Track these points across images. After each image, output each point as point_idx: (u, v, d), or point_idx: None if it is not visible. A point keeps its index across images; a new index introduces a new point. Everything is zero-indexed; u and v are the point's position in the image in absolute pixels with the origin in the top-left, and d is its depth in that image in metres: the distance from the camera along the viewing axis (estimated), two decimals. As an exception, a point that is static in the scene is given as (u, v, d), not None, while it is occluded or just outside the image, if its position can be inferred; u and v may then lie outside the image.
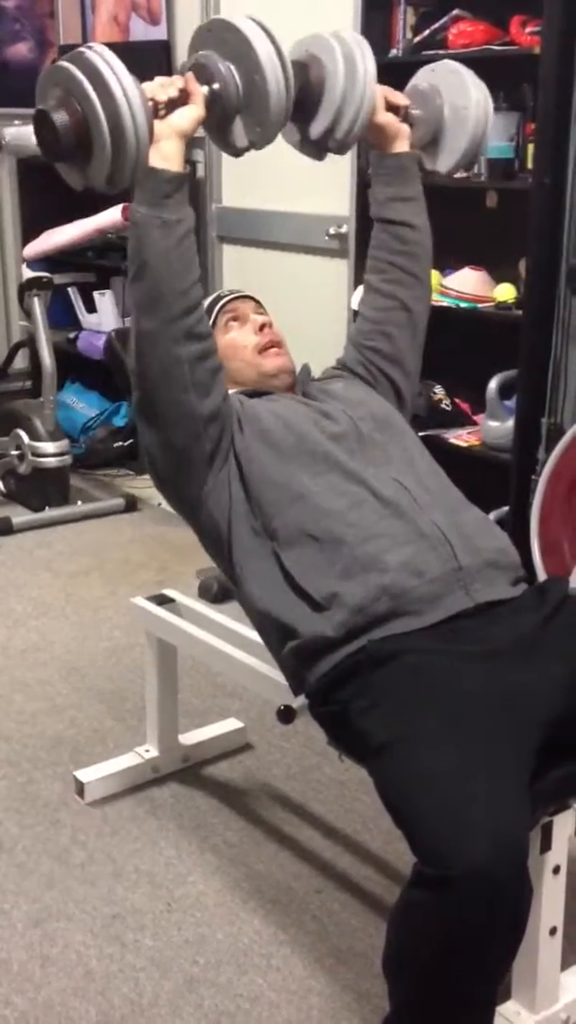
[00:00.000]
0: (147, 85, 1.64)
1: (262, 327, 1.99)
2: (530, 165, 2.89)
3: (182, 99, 1.70)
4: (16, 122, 4.05)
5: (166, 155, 1.67)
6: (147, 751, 2.38)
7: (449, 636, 1.63)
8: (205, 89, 1.71)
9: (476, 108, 1.96)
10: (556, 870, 1.62)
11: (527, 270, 2.95)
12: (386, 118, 1.96)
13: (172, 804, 2.29)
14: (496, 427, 3.10)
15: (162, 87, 1.68)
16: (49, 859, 2.11)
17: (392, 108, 1.97)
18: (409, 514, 1.72)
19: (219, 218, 4.13)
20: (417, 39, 3.13)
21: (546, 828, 1.58)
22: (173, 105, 1.69)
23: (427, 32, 3.10)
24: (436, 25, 3.07)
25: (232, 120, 1.75)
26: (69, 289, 4.47)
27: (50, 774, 2.39)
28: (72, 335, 4.47)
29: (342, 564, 1.67)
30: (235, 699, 2.68)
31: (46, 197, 4.53)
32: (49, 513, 3.97)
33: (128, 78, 1.56)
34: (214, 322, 1.97)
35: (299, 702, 1.74)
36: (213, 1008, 1.76)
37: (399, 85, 3.24)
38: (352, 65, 1.83)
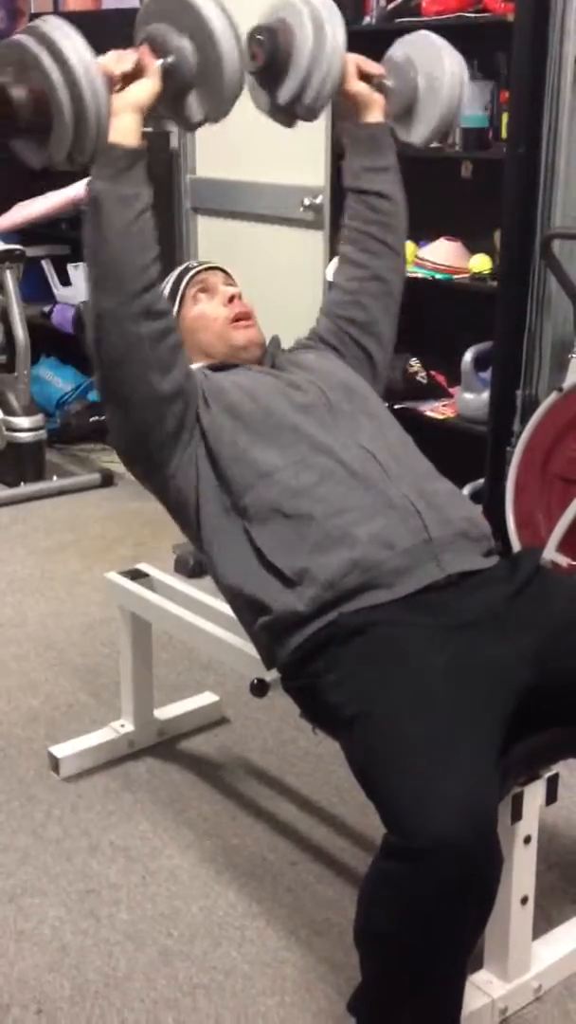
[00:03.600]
0: (102, 59, 1.61)
1: (231, 299, 1.97)
2: (504, 134, 2.87)
3: (136, 73, 1.67)
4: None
5: (123, 130, 1.64)
6: (122, 726, 2.37)
7: (420, 608, 1.62)
8: (160, 62, 1.68)
9: (451, 79, 1.94)
10: (527, 840, 1.63)
11: (502, 241, 2.94)
12: (358, 87, 1.94)
13: (147, 779, 2.29)
14: (471, 399, 3.09)
15: (117, 61, 1.66)
16: (24, 834, 2.11)
17: (365, 77, 1.94)
18: (379, 486, 1.71)
19: (193, 189, 4.09)
20: (391, 6, 3.09)
21: (516, 798, 1.59)
22: (128, 79, 1.66)
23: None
24: (410, -8, 3.04)
25: (187, 94, 1.73)
26: (43, 262, 4.43)
27: (25, 750, 2.39)
28: (46, 309, 4.43)
29: (312, 539, 1.66)
30: (211, 673, 2.67)
31: (15, 168, 4.50)
32: (24, 488, 3.94)
33: (87, 52, 1.52)
34: (182, 294, 1.97)
35: (272, 676, 1.74)
36: (188, 980, 1.77)
37: (374, 53, 3.22)
38: (320, 30, 1.81)
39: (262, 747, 2.41)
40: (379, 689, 1.50)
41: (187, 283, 1.98)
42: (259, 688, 1.75)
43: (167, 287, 1.95)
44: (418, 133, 2.02)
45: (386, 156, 2.00)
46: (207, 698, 2.53)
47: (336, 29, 1.83)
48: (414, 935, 1.38)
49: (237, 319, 1.96)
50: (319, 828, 2.14)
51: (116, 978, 1.77)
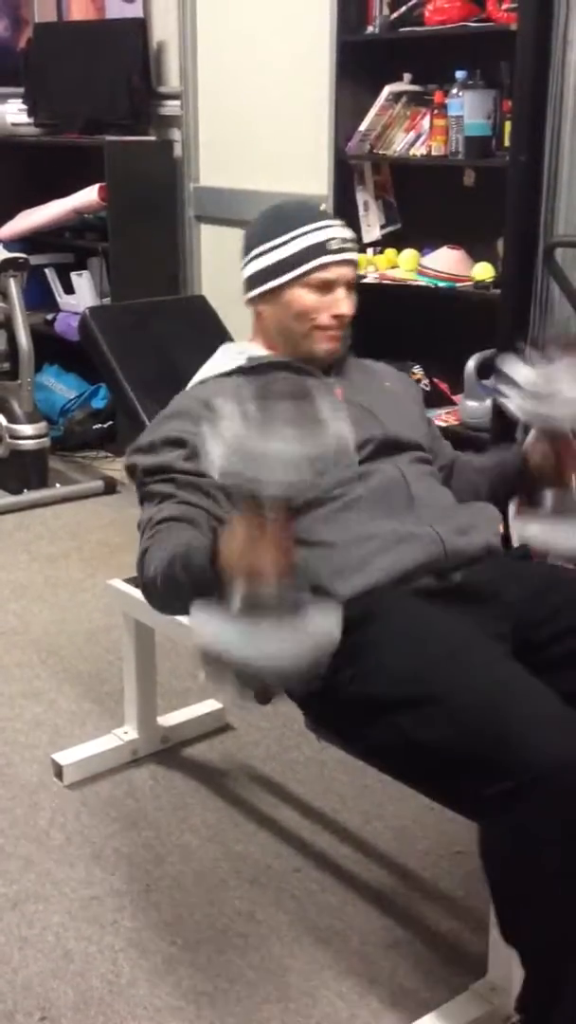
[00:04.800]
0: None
1: (339, 316, 1.78)
2: (507, 143, 2.88)
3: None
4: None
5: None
6: (125, 733, 2.37)
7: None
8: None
9: None
10: None
11: (505, 249, 2.94)
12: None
13: (151, 786, 2.29)
14: (474, 407, 3.09)
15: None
16: (27, 841, 2.11)
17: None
18: (403, 514, 1.71)
19: (197, 198, 4.10)
20: (394, 15, 3.10)
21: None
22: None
23: (404, 8, 3.08)
24: (413, 2, 3.05)
25: None
26: (46, 270, 4.44)
27: (28, 757, 2.39)
28: (50, 316, 4.44)
29: (331, 567, 1.64)
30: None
31: (20, 177, 4.53)
32: (27, 496, 3.95)
33: None
34: (303, 270, 1.74)
35: None
36: (191, 988, 1.77)
37: (376, 62, 3.25)
38: None
39: (265, 754, 2.41)
40: (421, 662, 1.49)
41: (315, 266, 1.75)
42: (263, 695, 1.75)
43: (282, 225, 1.76)
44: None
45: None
46: (211, 705, 2.53)
47: None
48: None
49: (330, 328, 1.80)
50: (322, 835, 2.13)
51: (120, 985, 1.77)
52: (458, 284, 3.12)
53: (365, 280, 3.29)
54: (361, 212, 3.38)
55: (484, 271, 3.07)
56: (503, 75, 2.92)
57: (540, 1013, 1.43)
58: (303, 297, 1.76)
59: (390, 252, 3.33)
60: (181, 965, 1.81)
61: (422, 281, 3.18)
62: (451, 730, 1.42)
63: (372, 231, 3.40)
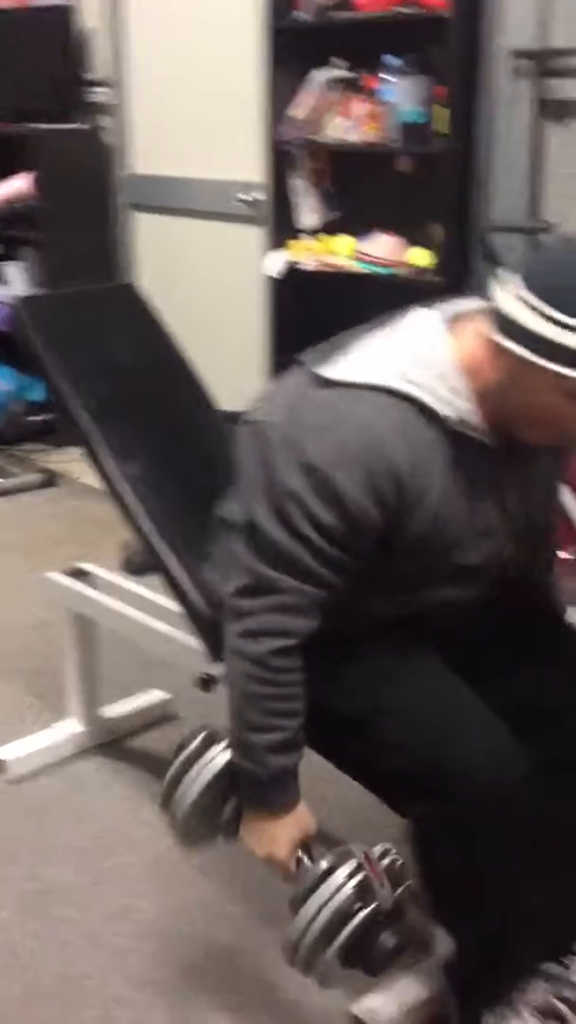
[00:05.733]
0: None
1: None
2: (441, 129, 2.89)
3: None
4: None
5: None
6: (70, 726, 2.35)
7: None
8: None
9: None
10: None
11: (442, 235, 2.96)
12: None
13: (97, 778, 2.27)
14: (413, 392, 3.10)
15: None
16: (-28, 838, 2.09)
17: None
18: None
19: (130, 186, 4.07)
20: (324, 1, 3.09)
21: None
22: None
23: (335, -6, 3.07)
24: (343, -13, 3.05)
25: None
26: (-23, 260, 4.37)
27: (-29, 753, 2.35)
28: (-17, 308, 4.37)
29: None
30: (162, 670, 2.65)
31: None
32: (-35, 490, 3.89)
33: None
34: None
35: (219, 670, 1.73)
36: (141, 978, 1.76)
37: (307, 48, 3.23)
38: None
39: None
40: (381, 685, 1.50)
41: None
42: (206, 683, 1.75)
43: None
44: None
45: None
46: (157, 696, 2.52)
47: None
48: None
49: (555, 438, 1.43)
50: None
51: (71, 978, 1.76)
52: (395, 269, 3.13)
53: (302, 267, 3.29)
54: (297, 199, 3.38)
55: (420, 256, 3.08)
56: (434, 61, 2.94)
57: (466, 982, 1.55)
58: (551, 396, 1.31)
59: (327, 238, 3.33)
60: (131, 955, 1.80)
61: (360, 267, 3.19)
62: (394, 747, 1.46)
63: (309, 218, 3.40)
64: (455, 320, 1.41)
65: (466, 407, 1.36)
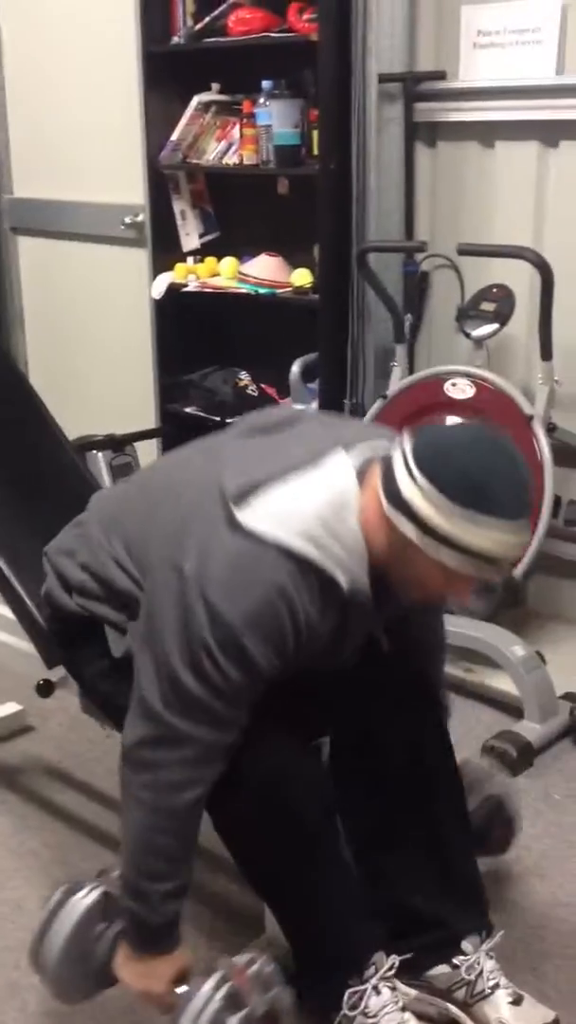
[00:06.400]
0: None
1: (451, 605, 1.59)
2: (316, 151, 2.94)
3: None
4: None
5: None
6: None
7: None
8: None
9: None
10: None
11: (320, 255, 3.00)
12: None
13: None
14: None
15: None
16: None
17: None
18: None
19: (11, 209, 4.03)
20: (198, 27, 3.13)
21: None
22: None
23: (207, 20, 3.10)
24: (216, 12, 3.09)
25: None
26: None
27: None
28: None
29: None
30: (12, 680, 2.48)
31: None
32: None
33: None
34: (465, 554, 1.40)
35: (58, 675, 1.74)
36: (36, 1011, 1.74)
37: (184, 72, 3.26)
38: None
39: (68, 751, 2.40)
40: None
41: (475, 575, 1.44)
42: (45, 688, 1.76)
43: (483, 500, 1.38)
44: None
45: None
46: (10, 707, 2.49)
47: None
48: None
49: (431, 600, 1.61)
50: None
51: None
52: (278, 290, 3.17)
53: (187, 289, 3.31)
54: (179, 221, 3.40)
55: (302, 277, 3.13)
56: (308, 84, 2.99)
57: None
58: (435, 571, 1.44)
59: (210, 260, 3.36)
60: (25, 990, 1.78)
61: (243, 288, 3.21)
62: None
63: (191, 240, 3.42)
64: (367, 468, 1.48)
65: (360, 576, 1.46)
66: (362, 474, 1.47)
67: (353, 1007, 1.55)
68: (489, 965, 1.66)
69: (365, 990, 1.55)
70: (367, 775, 1.71)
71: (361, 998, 1.55)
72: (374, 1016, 1.55)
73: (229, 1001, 1.41)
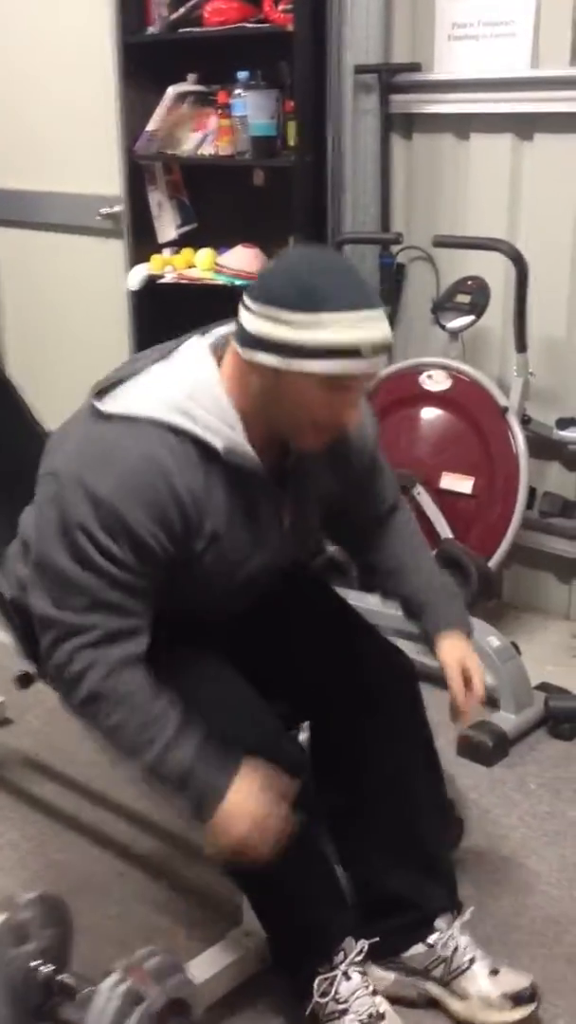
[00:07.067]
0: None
1: (343, 425, 1.51)
2: (291, 142, 2.94)
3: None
4: None
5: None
6: None
7: None
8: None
9: None
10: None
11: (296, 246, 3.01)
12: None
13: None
14: (277, 401, 3.14)
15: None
16: None
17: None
18: None
19: (-13, 200, 4.01)
20: (173, 17, 3.11)
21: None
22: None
23: (182, 10, 3.09)
24: (191, 3, 3.07)
25: None
26: None
27: None
28: None
29: None
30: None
31: None
32: None
33: None
34: (319, 357, 1.38)
35: (33, 667, 1.74)
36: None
37: (160, 63, 3.24)
38: None
39: (47, 744, 2.40)
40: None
41: (338, 373, 1.40)
42: (24, 680, 1.76)
43: (312, 298, 1.36)
44: None
45: None
46: None
47: None
48: None
49: (325, 430, 1.50)
50: (142, 838, 2.14)
51: None
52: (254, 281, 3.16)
53: (163, 280, 3.31)
54: (155, 212, 3.39)
55: (278, 268, 3.12)
56: (283, 75, 2.98)
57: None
58: (309, 392, 1.41)
59: (187, 252, 3.35)
60: None
61: (220, 280, 3.21)
62: None
63: (168, 231, 3.41)
64: (224, 343, 1.50)
65: (235, 436, 1.46)
66: (219, 347, 1.50)
67: (324, 994, 1.57)
68: (463, 940, 1.68)
69: (335, 976, 1.57)
70: (344, 758, 1.72)
71: (332, 984, 1.57)
72: (345, 1001, 1.56)
73: (128, 998, 1.39)
